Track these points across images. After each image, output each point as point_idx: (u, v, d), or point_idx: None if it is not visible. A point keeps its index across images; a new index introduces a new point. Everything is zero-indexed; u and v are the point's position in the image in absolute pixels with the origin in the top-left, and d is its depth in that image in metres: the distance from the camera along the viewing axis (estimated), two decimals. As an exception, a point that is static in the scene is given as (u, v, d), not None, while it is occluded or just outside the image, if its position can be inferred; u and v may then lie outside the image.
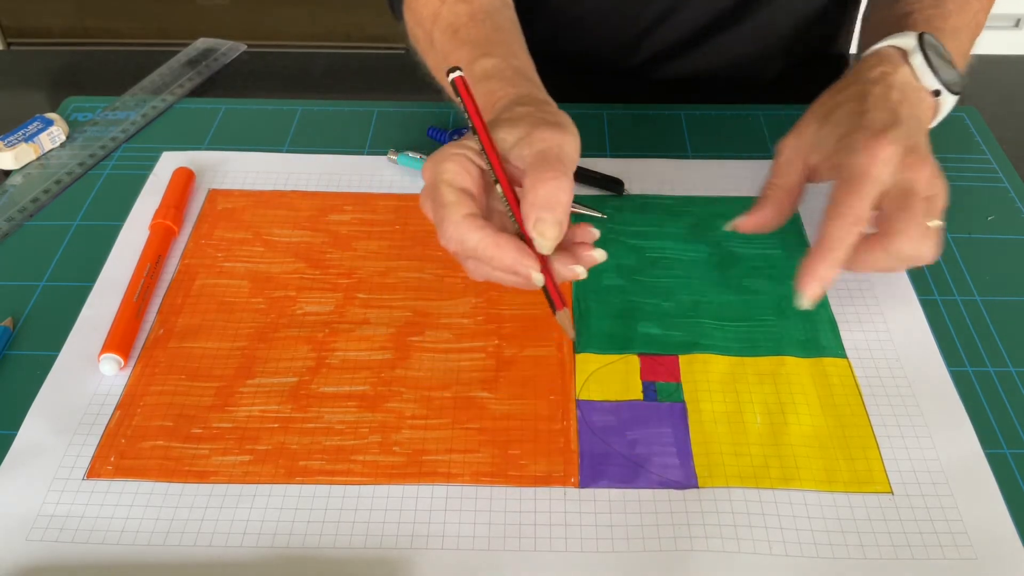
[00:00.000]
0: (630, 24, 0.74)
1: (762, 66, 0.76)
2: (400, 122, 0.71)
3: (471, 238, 0.44)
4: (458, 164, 0.46)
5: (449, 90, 0.52)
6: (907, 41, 0.57)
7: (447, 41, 0.57)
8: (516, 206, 0.45)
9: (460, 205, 0.45)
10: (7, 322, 0.54)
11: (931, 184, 0.50)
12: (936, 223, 0.49)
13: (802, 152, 0.53)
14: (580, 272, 0.46)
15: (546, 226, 0.44)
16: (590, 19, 0.74)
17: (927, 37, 0.57)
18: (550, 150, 0.45)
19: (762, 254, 0.59)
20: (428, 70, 0.63)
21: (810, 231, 0.61)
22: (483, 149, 0.46)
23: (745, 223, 0.53)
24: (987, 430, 0.49)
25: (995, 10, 0.68)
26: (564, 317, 0.46)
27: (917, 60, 0.56)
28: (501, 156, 0.46)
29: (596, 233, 0.47)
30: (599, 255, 0.46)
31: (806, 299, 0.47)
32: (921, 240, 0.47)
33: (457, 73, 0.46)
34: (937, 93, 0.56)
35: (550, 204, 0.44)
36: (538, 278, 0.45)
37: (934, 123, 0.58)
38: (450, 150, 0.46)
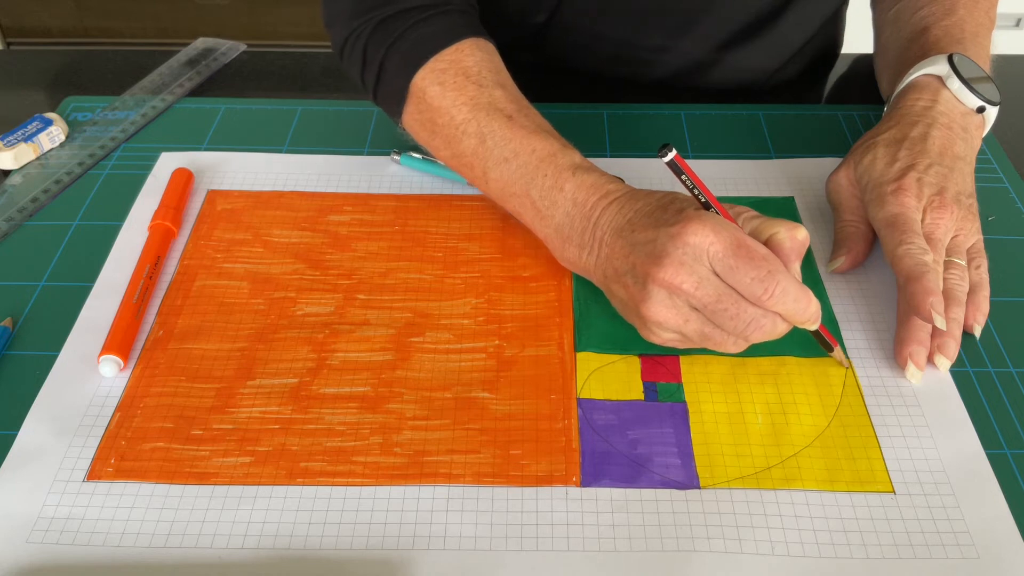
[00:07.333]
0: (641, 47, 0.73)
1: (774, 75, 0.76)
2: (400, 122, 0.71)
3: (793, 289, 0.46)
4: None
5: (495, 189, 0.56)
6: (940, 68, 0.59)
7: (505, 127, 0.55)
8: None
9: (778, 260, 0.47)
10: (7, 322, 0.54)
11: (954, 227, 0.54)
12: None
13: (856, 193, 0.58)
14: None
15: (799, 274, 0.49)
16: (602, 41, 0.73)
17: (957, 58, 0.58)
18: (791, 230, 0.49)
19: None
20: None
21: (808, 228, 0.61)
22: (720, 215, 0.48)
23: (841, 268, 0.57)
24: (987, 430, 0.49)
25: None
26: (839, 353, 0.52)
27: (955, 85, 0.58)
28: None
29: None
30: None
31: (913, 371, 0.51)
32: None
33: (673, 152, 0.47)
34: (981, 109, 0.58)
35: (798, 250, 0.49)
36: (818, 320, 0.49)
37: (983, 135, 0.60)
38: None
